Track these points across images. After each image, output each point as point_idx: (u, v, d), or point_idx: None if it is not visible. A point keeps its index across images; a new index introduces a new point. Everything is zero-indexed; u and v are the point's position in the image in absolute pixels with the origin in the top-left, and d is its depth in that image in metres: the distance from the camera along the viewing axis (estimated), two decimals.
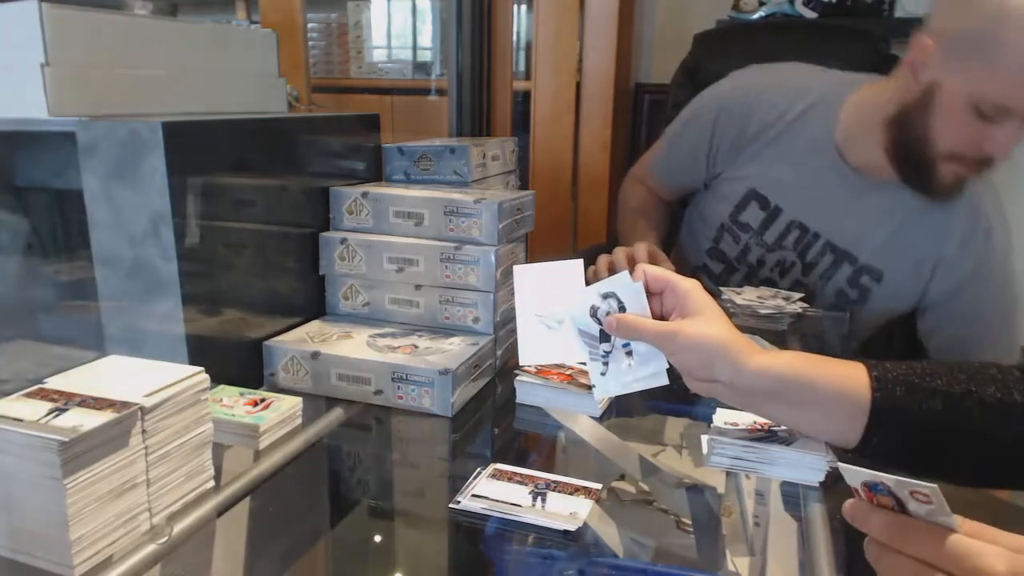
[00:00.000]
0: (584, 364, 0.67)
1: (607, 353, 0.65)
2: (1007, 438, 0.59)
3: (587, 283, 0.67)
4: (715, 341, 0.61)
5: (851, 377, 0.61)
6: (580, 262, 0.68)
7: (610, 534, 0.60)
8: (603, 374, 0.66)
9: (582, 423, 0.79)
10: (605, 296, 0.65)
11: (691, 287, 0.64)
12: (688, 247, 1.39)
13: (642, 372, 0.65)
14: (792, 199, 1.20)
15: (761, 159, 1.22)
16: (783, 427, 0.70)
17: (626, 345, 0.65)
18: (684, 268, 1.38)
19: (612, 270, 1.08)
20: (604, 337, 0.65)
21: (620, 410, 0.82)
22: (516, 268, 0.68)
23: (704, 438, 0.71)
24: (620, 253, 1.10)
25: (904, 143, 1.06)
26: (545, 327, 0.67)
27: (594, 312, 0.65)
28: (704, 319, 0.62)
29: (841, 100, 1.17)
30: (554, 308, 0.67)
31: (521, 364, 0.69)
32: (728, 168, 1.26)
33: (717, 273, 1.33)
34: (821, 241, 1.19)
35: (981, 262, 1.14)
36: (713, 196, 1.30)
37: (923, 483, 0.42)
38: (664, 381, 0.64)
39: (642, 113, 2.21)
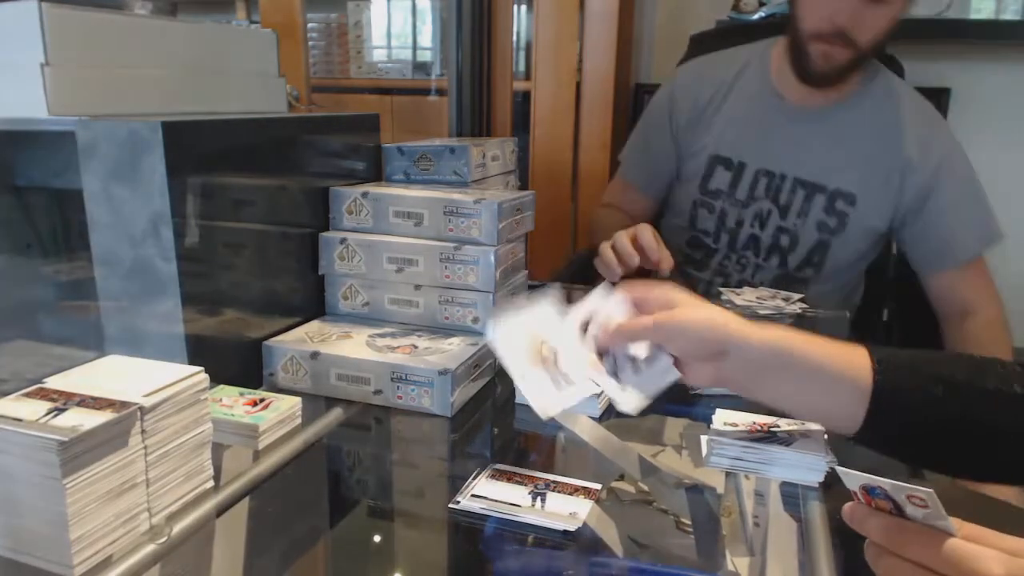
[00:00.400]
0: (600, 391, 0.66)
1: (613, 369, 0.65)
2: (1005, 429, 0.59)
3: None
4: (712, 318, 0.61)
5: (853, 357, 0.61)
6: (554, 289, 0.67)
7: (610, 534, 0.60)
8: (621, 389, 0.65)
9: (582, 423, 0.79)
10: (588, 318, 0.64)
11: (666, 287, 0.64)
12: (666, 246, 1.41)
13: (653, 372, 0.64)
14: (751, 150, 1.27)
15: (714, 125, 1.30)
16: (783, 427, 0.70)
17: (627, 354, 0.65)
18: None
19: (622, 259, 1.05)
20: (605, 353, 0.65)
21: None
22: (488, 325, 0.66)
23: (704, 438, 0.71)
24: (623, 237, 1.06)
25: (790, 43, 1.21)
26: (545, 373, 0.65)
27: (583, 335, 0.65)
28: (691, 306, 0.62)
29: (771, 50, 1.30)
30: (543, 351, 0.65)
31: (544, 419, 0.64)
32: (689, 144, 1.33)
33: (699, 259, 1.35)
34: (789, 180, 1.25)
35: (944, 156, 1.20)
36: (681, 182, 1.36)
37: (919, 487, 0.42)
38: (677, 374, 0.64)
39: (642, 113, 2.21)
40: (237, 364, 0.82)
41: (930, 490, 0.42)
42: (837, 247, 1.25)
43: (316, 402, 0.81)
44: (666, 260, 1.04)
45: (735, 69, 1.31)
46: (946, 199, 1.21)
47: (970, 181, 1.23)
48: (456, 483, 0.64)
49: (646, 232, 1.05)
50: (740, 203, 1.28)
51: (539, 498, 0.62)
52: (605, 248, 1.07)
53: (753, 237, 1.29)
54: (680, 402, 0.86)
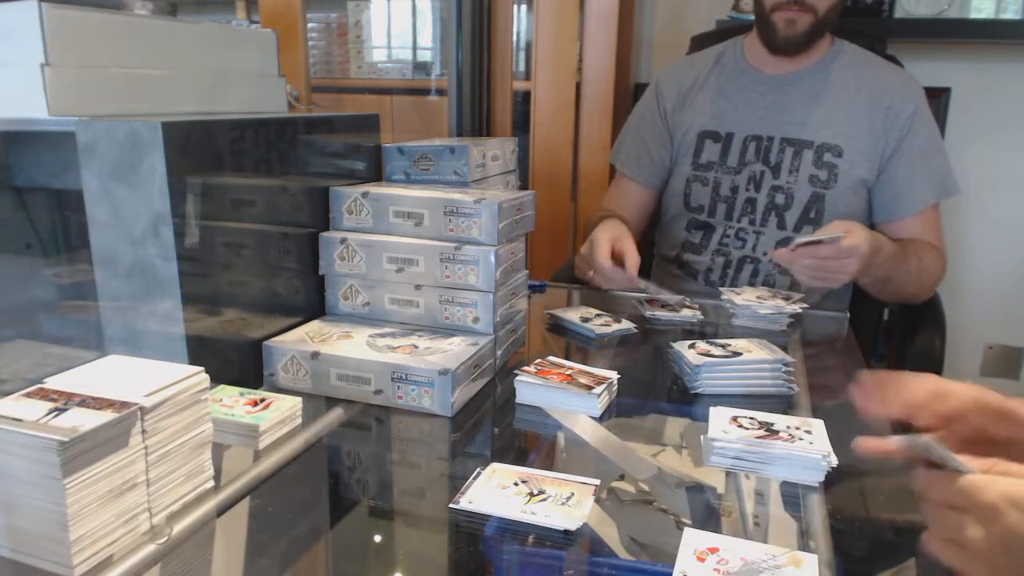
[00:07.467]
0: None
1: None
2: None
3: None
4: None
5: None
6: None
7: (610, 534, 0.60)
8: None
9: (582, 423, 0.79)
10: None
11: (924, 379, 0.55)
12: (664, 241, 1.46)
13: None
14: (737, 120, 1.35)
15: (698, 105, 1.39)
16: (783, 426, 0.70)
17: None
18: (662, 265, 1.46)
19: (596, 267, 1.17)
20: None
21: (620, 410, 0.82)
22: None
23: (704, 438, 0.71)
24: (601, 250, 1.18)
25: (757, 21, 1.31)
26: None
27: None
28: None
29: (743, 39, 1.41)
30: None
31: None
32: (677, 126, 1.41)
33: (698, 242, 1.38)
34: (777, 140, 1.32)
35: (917, 105, 1.29)
36: (675, 166, 1.42)
37: (916, 439, 0.45)
38: None
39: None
40: (237, 364, 0.82)
41: (926, 440, 0.44)
42: (831, 201, 1.29)
43: (316, 402, 0.81)
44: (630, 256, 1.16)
45: (712, 57, 1.42)
46: (917, 145, 1.28)
47: (935, 131, 1.30)
48: (456, 483, 0.64)
49: (603, 244, 1.19)
50: (732, 170, 1.34)
51: (539, 498, 0.62)
52: (583, 265, 1.20)
53: (749, 201, 1.33)
54: (680, 402, 0.86)
